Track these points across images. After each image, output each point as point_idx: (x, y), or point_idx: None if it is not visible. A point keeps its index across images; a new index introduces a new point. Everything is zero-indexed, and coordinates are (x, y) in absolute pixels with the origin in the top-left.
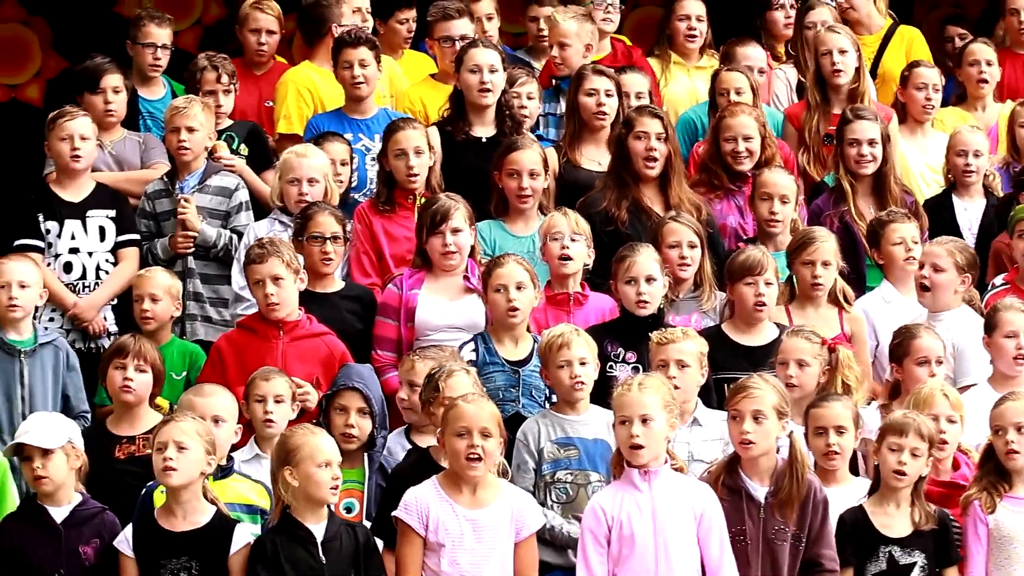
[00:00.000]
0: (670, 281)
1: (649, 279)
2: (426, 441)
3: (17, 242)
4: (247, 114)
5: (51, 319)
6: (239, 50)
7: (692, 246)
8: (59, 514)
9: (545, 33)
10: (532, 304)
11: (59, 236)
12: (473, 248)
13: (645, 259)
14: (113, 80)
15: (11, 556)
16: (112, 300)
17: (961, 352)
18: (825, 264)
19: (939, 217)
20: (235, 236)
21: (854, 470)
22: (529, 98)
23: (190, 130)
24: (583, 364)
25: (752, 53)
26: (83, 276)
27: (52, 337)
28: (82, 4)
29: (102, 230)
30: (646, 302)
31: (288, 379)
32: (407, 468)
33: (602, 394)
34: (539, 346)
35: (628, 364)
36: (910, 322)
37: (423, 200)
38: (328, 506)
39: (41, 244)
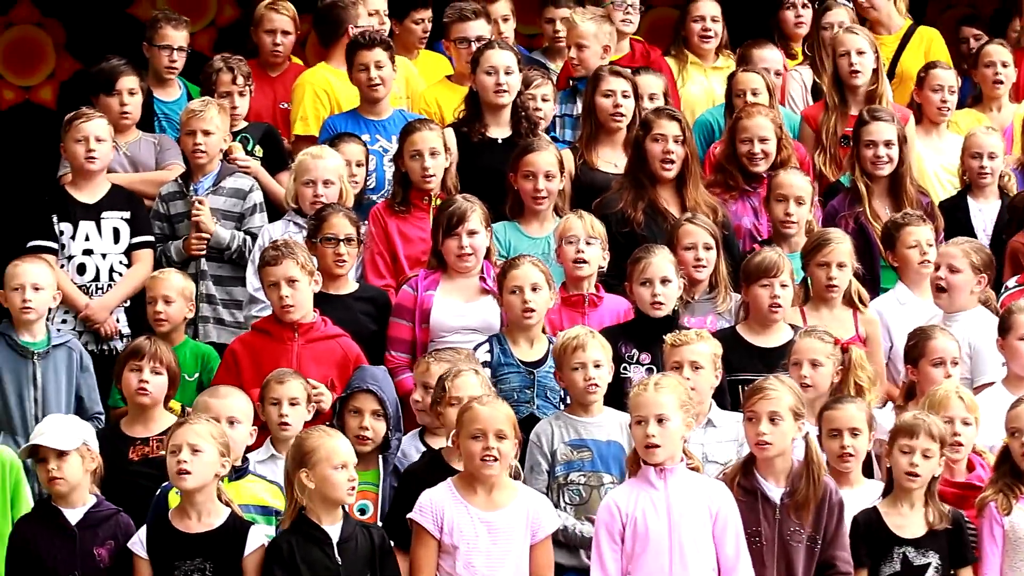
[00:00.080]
0: (685, 283)
1: (664, 280)
2: (440, 443)
3: (31, 243)
4: (262, 115)
5: (63, 320)
6: (254, 51)
7: (708, 248)
8: (74, 516)
9: (562, 34)
10: (547, 305)
11: (73, 237)
12: (489, 250)
13: (660, 261)
14: (129, 82)
15: (26, 558)
16: (125, 302)
17: (978, 352)
18: (840, 265)
19: (954, 219)
20: (249, 238)
21: (868, 471)
22: (544, 100)
23: (206, 133)
24: (597, 366)
25: (768, 55)
26: (96, 278)
27: (66, 339)
28: (96, 6)
29: (116, 232)
30: (661, 303)
31: (303, 380)
32: (418, 468)
33: (616, 396)
34: (554, 348)
35: (642, 365)
36: (925, 323)
37: (438, 201)
38: (343, 507)
39: (55, 245)
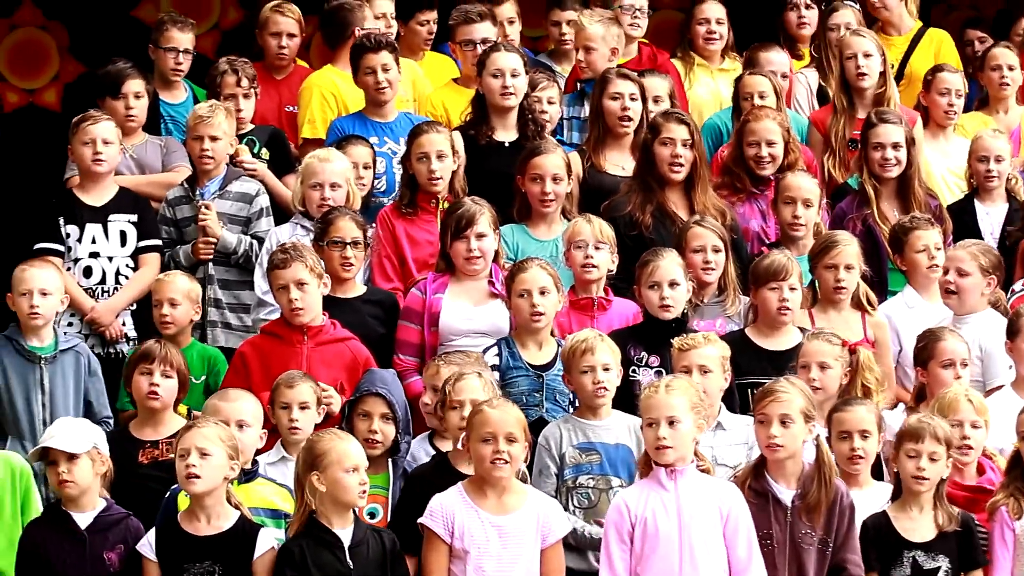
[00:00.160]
0: (694, 286)
1: (672, 283)
2: (449, 446)
3: (37, 245)
4: (267, 118)
5: (69, 324)
6: (259, 54)
7: (716, 251)
8: (83, 520)
9: (568, 37)
10: (556, 308)
11: (80, 240)
12: (497, 253)
13: (668, 264)
14: (135, 85)
15: (36, 563)
16: (131, 305)
17: (989, 354)
18: (848, 268)
19: (961, 222)
20: (256, 242)
21: (878, 474)
22: (550, 102)
23: (213, 139)
24: (606, 370)
25: (775, 58)
26: (103, 281)
27: (73, 343)
28: (100, 8)
29: (123, 235)
30: (670, 306)
31: (313, 383)
32: (424, 472)
33: (625, 399)
34: (562, 351)
35: (651, 368)
36: (934, 326)
37: (445, 204)
38: (354, 511)
39: (61, 248)
